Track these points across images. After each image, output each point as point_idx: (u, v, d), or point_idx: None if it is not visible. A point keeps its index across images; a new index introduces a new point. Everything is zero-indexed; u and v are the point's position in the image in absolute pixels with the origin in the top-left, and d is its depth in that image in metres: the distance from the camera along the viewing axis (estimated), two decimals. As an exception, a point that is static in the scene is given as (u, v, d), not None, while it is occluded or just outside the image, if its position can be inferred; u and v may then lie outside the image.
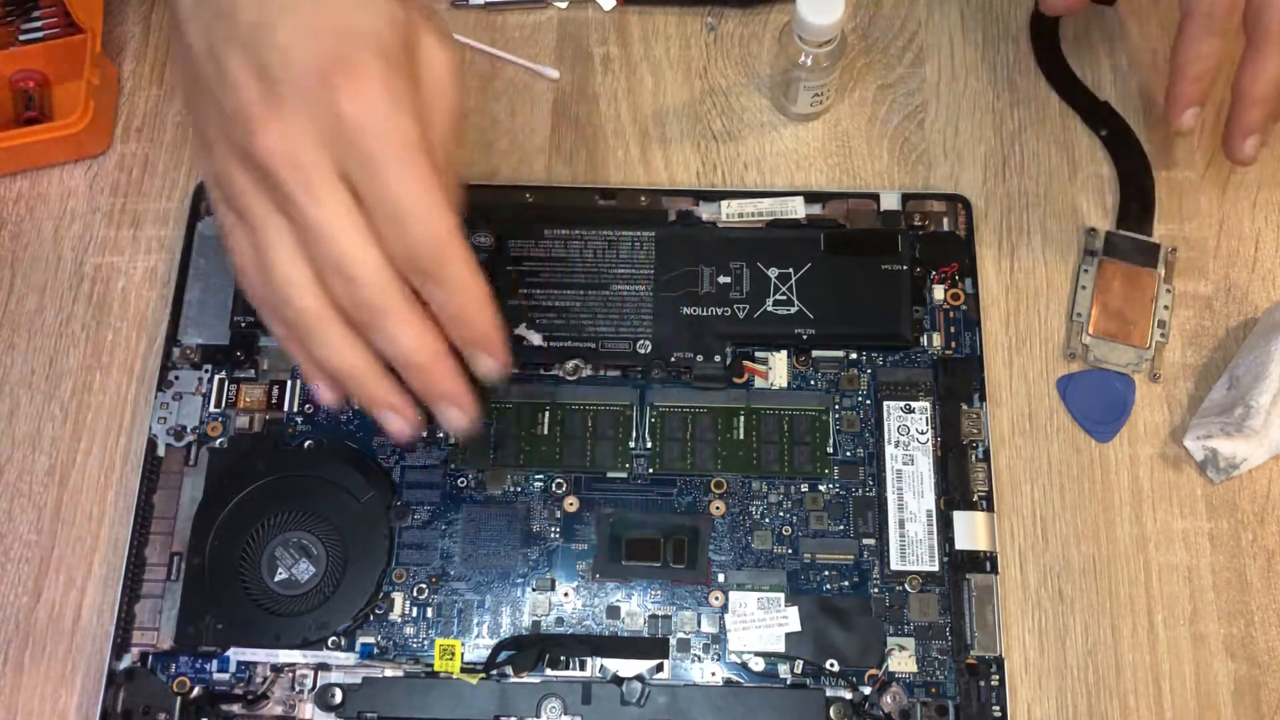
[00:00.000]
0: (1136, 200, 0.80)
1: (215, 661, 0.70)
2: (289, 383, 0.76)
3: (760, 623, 0.70)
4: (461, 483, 0.73)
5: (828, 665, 0.70)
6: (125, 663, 0.70)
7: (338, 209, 0.53)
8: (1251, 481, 0.74)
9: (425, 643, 0.71)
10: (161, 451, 0.74)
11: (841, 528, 0.72)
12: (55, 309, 0.80)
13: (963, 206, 0.79)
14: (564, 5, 0.87)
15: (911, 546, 0.72)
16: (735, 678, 0.70)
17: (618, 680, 0.69)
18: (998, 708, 0.69)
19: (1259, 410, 0.72)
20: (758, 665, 0.70)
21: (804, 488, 0.73)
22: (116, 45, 0.87)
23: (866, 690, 0.69)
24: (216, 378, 0.76)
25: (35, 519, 0.75)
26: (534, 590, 0.71)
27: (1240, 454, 0.73)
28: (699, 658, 0.70)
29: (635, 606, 0.71)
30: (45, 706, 0.71)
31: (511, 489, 0.74)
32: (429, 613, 0.71)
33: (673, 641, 0.70)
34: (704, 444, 0.74)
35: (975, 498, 0.73)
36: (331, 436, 0.75)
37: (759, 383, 0.75)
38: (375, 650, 0.70)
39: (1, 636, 0.73)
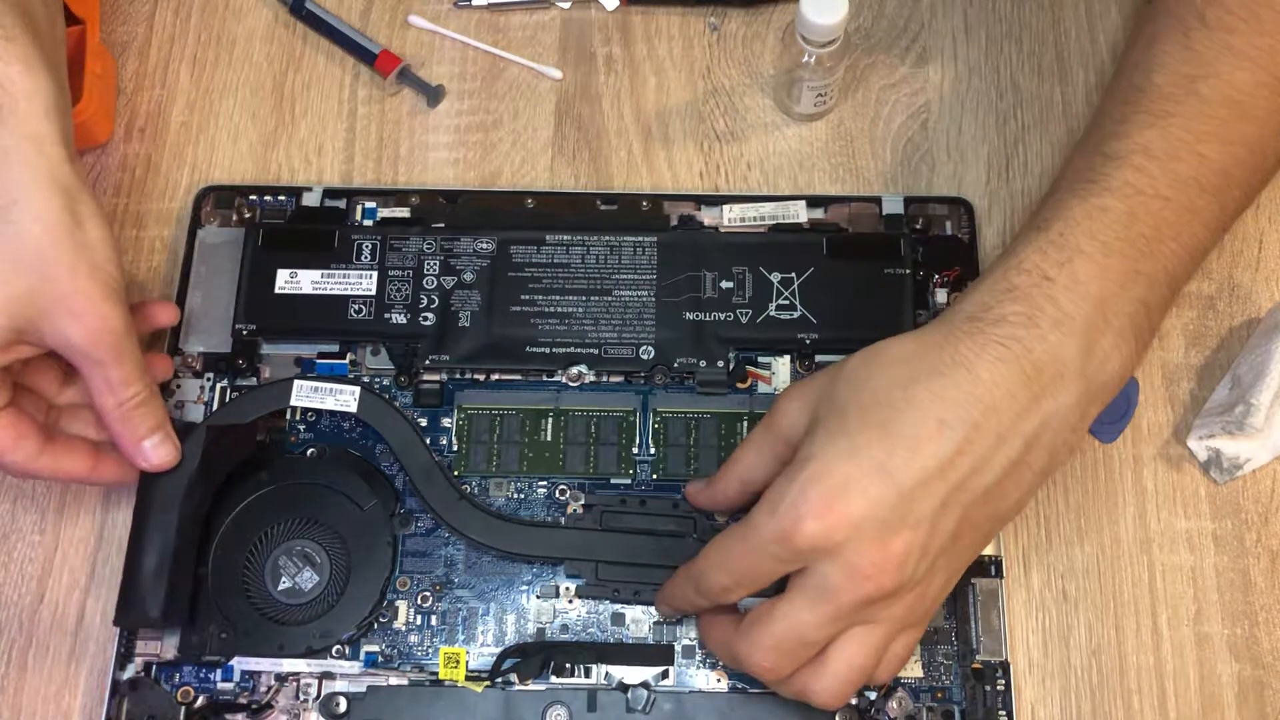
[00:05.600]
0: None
1: (219, 671, 0.70)
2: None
3: (765, 629, 0.70)
4: (465, 489, 0.73)
5: (832, 671, 0.70)
6: (129, 673, 0.70)
7: None
8: (1255, 482, 0.74)
9: (430, 650, 0.71)
10: (165, 460, 0.74)
11: (845, 533, 0.72)
12: (59, 309, 0.79)
13: (965, 210, 0.79)
14: (567, 5, 0.87)
15: (915, 551, 0.72)
16: (740, 684, 0.70)
17: (623, 687, 0.69)
18: (1004, 713, 0.69)
19: (1259, 408, 0.72)
20: (763, 672, 0.70)
21: (808, 493, 0.73)
22: (119, 45, 0.87)
23: (872, 696, 0.69)
24: (219, 386, 0.76)
25: (39, 519, 0.75)
26: (538, 597, 0.72)
27: (1244, 454, 0.73)
28: (704, 664, 0.70)
29: (640, 613, 0.71)
30: (49, 707, 0.71)
31: (515, 495, 0.74)
32: (433, 620, 0.71)
33: (678, 648, 0.70)
34: (708, 449, 0.74)
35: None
36: (334, 444, 0.75)
37: (762, 388, 0.75)
38: (380, 659, 0.70)
39: (5, 637, 0.73)
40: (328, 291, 0.76)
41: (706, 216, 0.79)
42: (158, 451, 0.68)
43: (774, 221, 0.78)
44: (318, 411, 0.75)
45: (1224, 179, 0.65)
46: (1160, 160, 0.64)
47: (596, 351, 0.75)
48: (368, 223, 0.79)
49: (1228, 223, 0.68)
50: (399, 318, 0.75)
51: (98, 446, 0.69)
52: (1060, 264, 0.61)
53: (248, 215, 0.80)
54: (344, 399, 0.73)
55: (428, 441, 0.73)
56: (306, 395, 0.73)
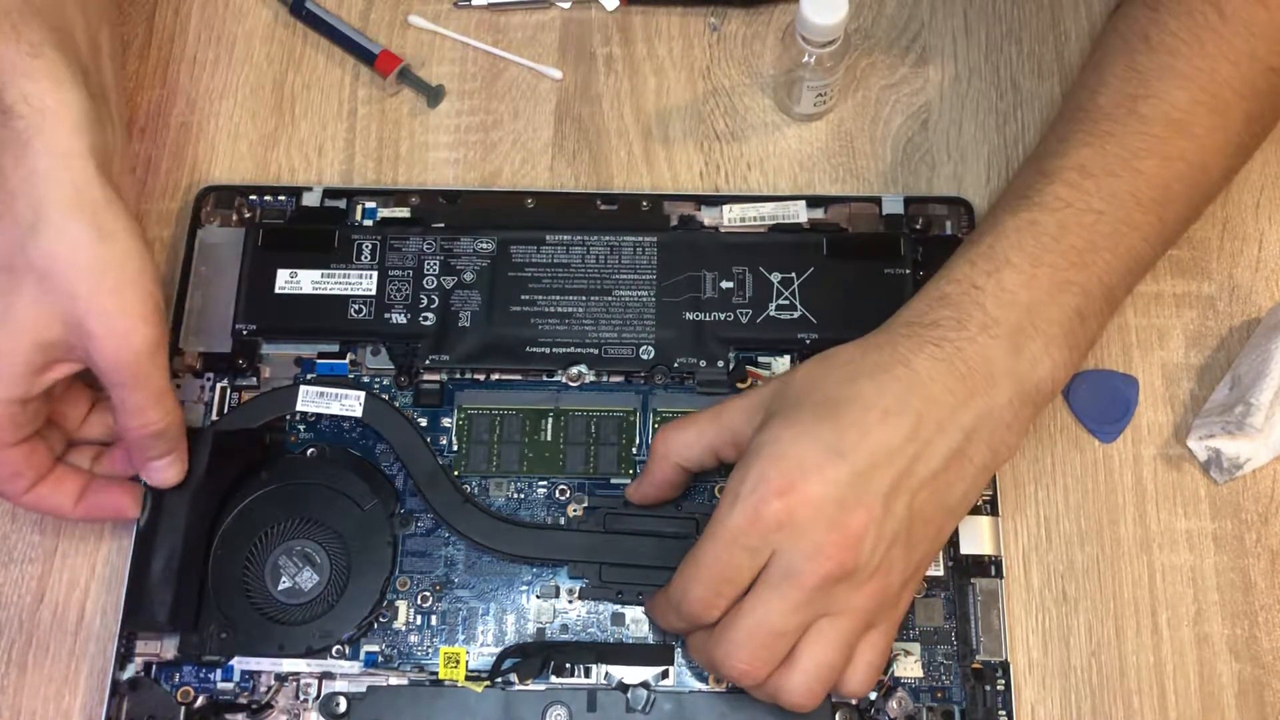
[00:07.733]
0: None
1: (219, 671, 0.70)
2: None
3: (765, 629, 0.70)
4: (465, 489, 0.73)
5: (832, 671, 0.69)
6: (129, 673, 0.70)
7: None
8: (1255, 482, 0.74)
9: (430, 650, 0.71)
10: (164, 460, 0.74)
11: (845, 533, 0.72)
12: (58, 308, 0.79)
13: (965, 210, 0.79)
14: (567, 6, 0.87)
15: (915, 551, 0.71)
16: (740, 684, 0.70)
17: (623, 687, 0.69)
18: (1004, 713, 0.69)
19: (1259, 408, 0.72)
20: (763, 671, 0.70)
21: (808, 492, 0.73)
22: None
23: (872, 696, 0.69)
24: (219, 386, 0.76)
25: (38, 518, 0.75)
26: (538, 597, 0.72)
27: (1244, 454, 0.73)
28: (704, 664, 0.70)
29: (640, 613, 0.71)
30: (49, 707, 0.71)
31: (515, 496, 0.74)
32: (433, 620, 0.71)
33: (678, 648, 0.70)
34: (708, 449, 0.74)
35: (980, 502, 0.72)
36: (334, 444, 0.75)
37: (762, 387, 0.75)
38: (380, 659, 0.70)
39: (5, 637, 0.72)
40: (328, 291, 0.76)
41: (706, 216, 0.79)
42: (164, 473, 0.69)
43: (774, 221, 0.78)
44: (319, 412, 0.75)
45: (1163, 194, 0.67)
46: (1095, 176, 0.66)
47: (596, 351, 0.75)
48: (368, 223, 0.79)
49: (1171, 237, 0.70)
50: (399, 318, 0.75)
51: (86, 484, 0.69)
52: (988, 274, 0.64)
53: (248, 215, 0.80)
54: (349, 404, 0.73)
55: (430, 444, 0.73)
56: (313, 400, 0.73)
